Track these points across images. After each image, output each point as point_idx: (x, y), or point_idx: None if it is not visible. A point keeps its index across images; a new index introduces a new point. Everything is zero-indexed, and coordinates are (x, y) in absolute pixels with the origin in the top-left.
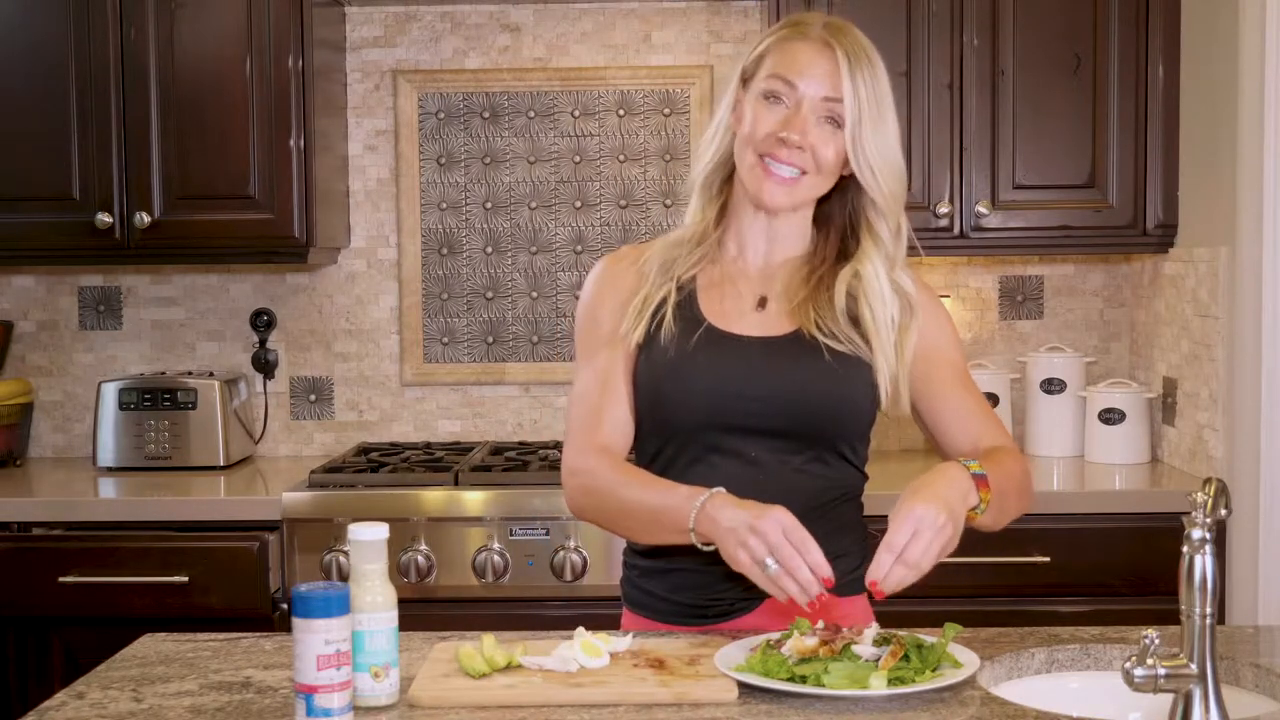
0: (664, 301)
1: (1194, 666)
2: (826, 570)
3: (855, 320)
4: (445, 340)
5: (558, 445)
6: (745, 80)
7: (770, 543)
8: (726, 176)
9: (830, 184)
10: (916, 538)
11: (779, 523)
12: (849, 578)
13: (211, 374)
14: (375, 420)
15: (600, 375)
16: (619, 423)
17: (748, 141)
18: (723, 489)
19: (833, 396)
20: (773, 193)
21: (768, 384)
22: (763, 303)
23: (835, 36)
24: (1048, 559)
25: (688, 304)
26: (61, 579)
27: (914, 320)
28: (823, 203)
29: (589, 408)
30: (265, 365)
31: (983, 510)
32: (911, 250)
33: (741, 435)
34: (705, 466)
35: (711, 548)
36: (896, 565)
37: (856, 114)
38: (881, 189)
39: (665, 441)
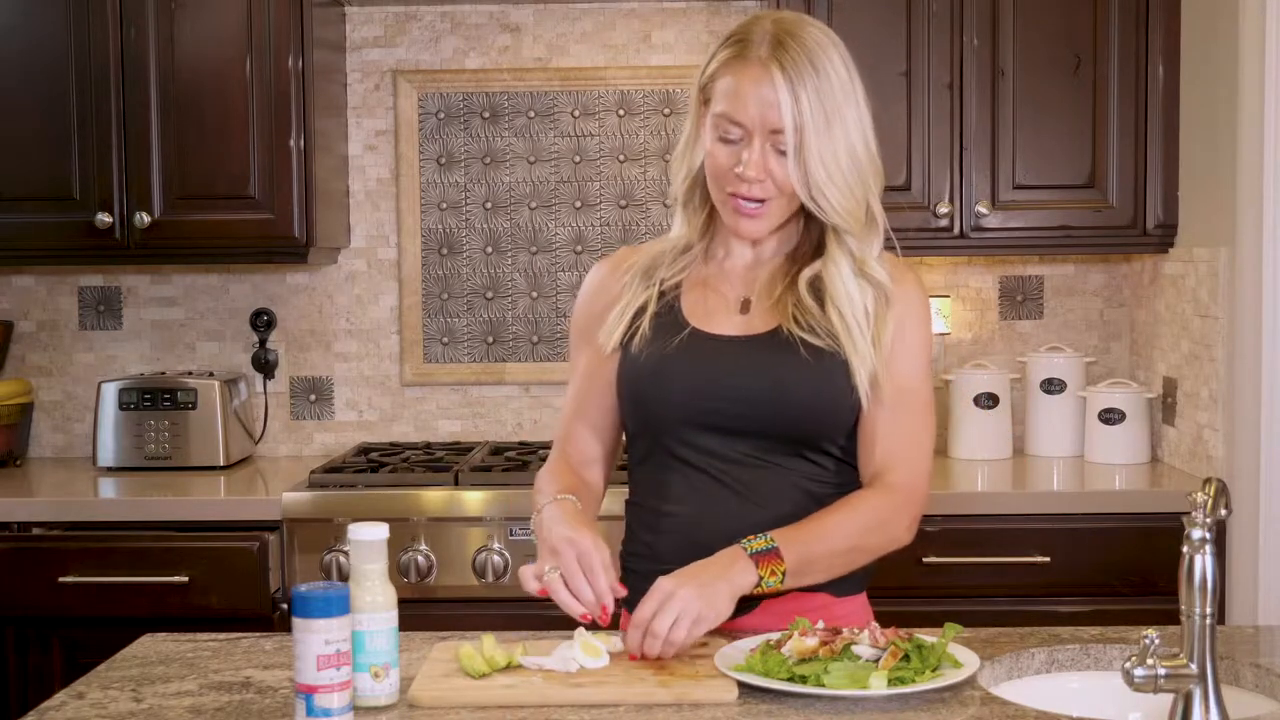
0: (643, 308)
1: (1194, 666)
2: (607, 599)
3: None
4: (445, 340)
5: None
6: (704, 97)
7: (562, 560)
8: (706, 187)
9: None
10: (662, 612)
11: (575, 545)
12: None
13: (211, 374)
14: (375, 420)
15: (577, 388)
16: (585, 437)
17: (713, 178)
18: (573, 498)
19: (809, 393)
20: (746, 226)
21: (744, 383)
22: (745, 305)
23: (775, 52)
24: (1048, 559)
25: (670, 308)
26: (61, 579)
27: (890, 310)
28: None
29: (564, 420)
30: (265, 365)
31: (775, 583)
32: (889, 248)
33: (723, 435)
34: (691, 467)
35: None
36: (647, 636)
37: (797, 140)
38: (836, 210)
39: (651, 442)
